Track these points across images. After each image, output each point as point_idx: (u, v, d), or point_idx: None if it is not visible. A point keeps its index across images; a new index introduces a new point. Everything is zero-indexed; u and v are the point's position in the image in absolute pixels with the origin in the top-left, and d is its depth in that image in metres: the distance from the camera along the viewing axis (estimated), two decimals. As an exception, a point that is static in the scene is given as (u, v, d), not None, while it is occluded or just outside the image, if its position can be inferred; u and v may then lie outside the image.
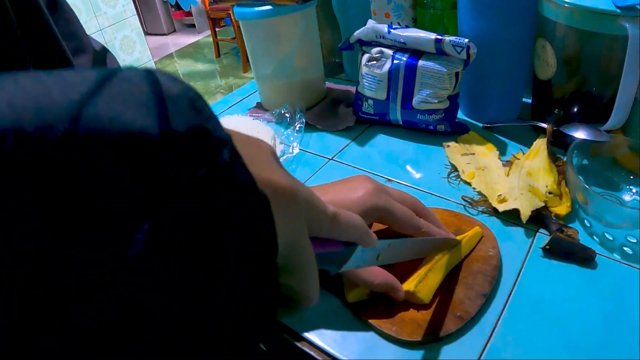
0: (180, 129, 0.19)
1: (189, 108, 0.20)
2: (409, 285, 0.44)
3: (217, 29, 4.48)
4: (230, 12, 3.89)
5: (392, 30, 0.69)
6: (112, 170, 0.17)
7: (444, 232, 0.48)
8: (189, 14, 5.52)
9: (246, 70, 4.03)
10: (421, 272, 0.46)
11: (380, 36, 0.71)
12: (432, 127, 0.71)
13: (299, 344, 0.45)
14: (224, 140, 0.21)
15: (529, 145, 0.63)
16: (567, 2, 0.56)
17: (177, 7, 5.45)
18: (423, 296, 0.44)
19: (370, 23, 0.72)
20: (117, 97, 0.18)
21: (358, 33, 0.73)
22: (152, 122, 0.18)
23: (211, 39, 4.63)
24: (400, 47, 0.70)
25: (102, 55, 0.48)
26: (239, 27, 3.82)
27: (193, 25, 5.64)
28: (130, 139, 0.17)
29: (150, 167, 0.18)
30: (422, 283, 0.44)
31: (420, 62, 0.68)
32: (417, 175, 0.65)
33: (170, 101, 0.19)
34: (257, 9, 0.74)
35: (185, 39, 5.47)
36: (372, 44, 0.73)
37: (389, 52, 0.71)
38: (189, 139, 0.19)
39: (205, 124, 0.20)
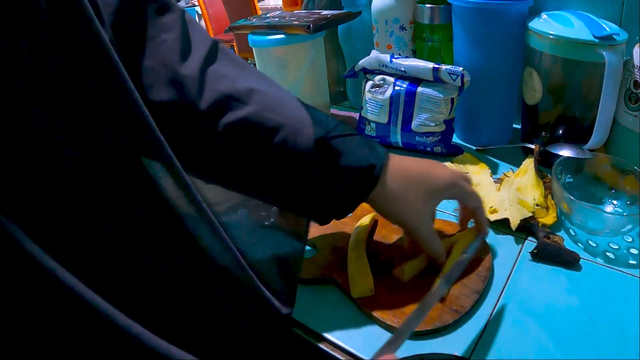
0: None
1: None
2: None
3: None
4: (234, 43, 4.01)
5: (393, 60, 0.76)
6: None
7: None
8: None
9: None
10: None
11: (383, 65, 0.77)
12: (429, 149, 0.77)
13: (306, 336, 0.49)
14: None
15: (518, 165, 0.69)
16: (551, 34, 0.62)
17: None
18: (403, 274, 0.52)
19: (374, 53, 0.79)
20: None
21: (362, 62, 0.80)
22: None
23: (214, 71, 4.74)
24: (400, 75, 0.77)
25: (184, 14, 0.50)
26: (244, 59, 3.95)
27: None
28: None
29: None
30: (407, 265, 0.52)
31: (419, 89, 0.74)
32: (416, 192, 0.70)
33: None
34: (269, 37, 0.81)
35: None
36: (375, 72, 0.80)
37: (391, 79, 0.77)
38: None
39: None
